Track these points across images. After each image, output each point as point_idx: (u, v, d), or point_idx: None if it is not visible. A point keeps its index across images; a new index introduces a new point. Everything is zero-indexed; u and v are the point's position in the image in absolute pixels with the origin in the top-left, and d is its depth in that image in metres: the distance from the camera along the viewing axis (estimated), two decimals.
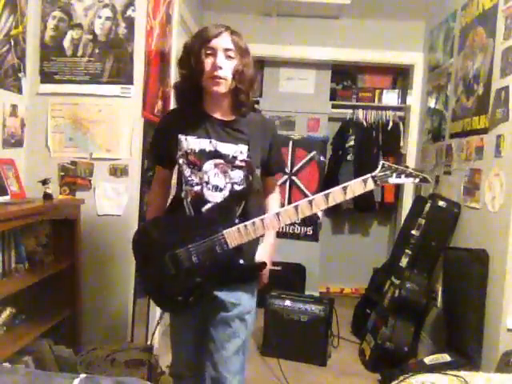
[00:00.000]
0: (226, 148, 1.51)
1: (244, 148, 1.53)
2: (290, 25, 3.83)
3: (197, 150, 1.51)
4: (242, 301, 1.56)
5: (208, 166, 1.51)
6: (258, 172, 1.64)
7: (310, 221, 4.09)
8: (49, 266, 2.20)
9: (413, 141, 3.88)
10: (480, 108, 2.60)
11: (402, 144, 4.09)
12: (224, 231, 1.44)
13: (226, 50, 1.47)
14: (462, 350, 2.41)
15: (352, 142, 4.20)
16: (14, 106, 2.22)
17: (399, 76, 4.39)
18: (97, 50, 2.33)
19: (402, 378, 1.83)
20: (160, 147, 1.63)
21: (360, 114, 4.23)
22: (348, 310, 3.63)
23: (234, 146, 1.52)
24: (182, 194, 1.55)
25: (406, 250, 3.09)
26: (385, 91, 4.35)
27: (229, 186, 1.52)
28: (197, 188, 1.52)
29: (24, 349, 1.99)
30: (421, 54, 3.78)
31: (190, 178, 1.52)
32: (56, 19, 2.33)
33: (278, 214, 1.43)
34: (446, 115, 3.16)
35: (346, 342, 3.31)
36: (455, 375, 1.74)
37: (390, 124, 4.16)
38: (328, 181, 4.18)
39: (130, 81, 2.34)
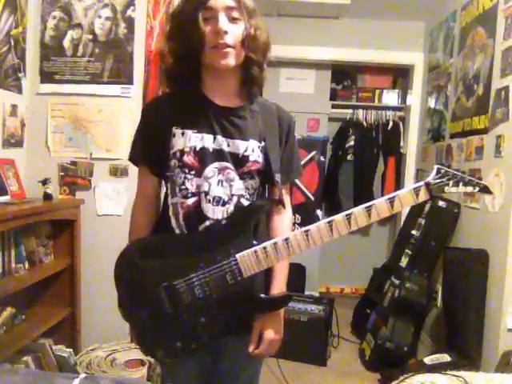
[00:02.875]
0: (234, 146, 1.17)
1: (255, 145, 1.18)
2: (290, 25, 3.82)
3: (197, 149, 1.15)
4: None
5: (210, 170, 1.15)
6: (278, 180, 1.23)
7: (310, 220, 4.08)
8: (49, 266, 2.20)
9: (413, 141, 3.87)
10: (480, 108, 2.60)
11: (402, 144, 4.08)
12: (237, 255, 1.10)
13: (229, 8, 1.12)
14: (462, 350, 2.41)
15: (352, 142, 4.20)
16: (14, 106, 2.22)
17: (399, 76, 4.39)
18: (97, 50, 2.33)
19: (402, 377, 1.84)
20: (149, 144, 1.22)
21: (360, 113, 4.23)
22: (348, 309, 3.62)
23: (244, 142, 1.17)
24: (171, 211, 1.18)
25: (406, 250, 3.08)
26: (385, 91, 4.35)
27: (235, 198, 1.17)
28: (192, 200, 1.16)
29: (24, 349, 1.99)
30: (421, 54, 3.78)
31: (183, 187, 1.16)
32: (56, 19, 2.33)
33: (306, 232, 1.10)
34: (446, 115, 3.16)
35: (346, 342, 3.31)
36: (455, 375, 1.75)
37: (390, 124, 4.16)
38: (328, 181, 4.19)
39: (130, 81, 2.34)
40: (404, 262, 3.06)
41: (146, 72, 2.39)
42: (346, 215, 1.10)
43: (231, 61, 1.13)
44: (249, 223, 1.14)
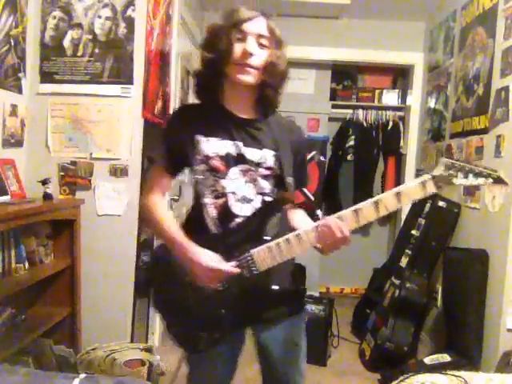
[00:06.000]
0: (250, 153, 1.29)
1: (269, 154, 1.31)
2: (290, 25, 3.82)
3: (222, 154, 1.28)
4: (291, 339, 1.37)
5: (234, 172, 1.28)
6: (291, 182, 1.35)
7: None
8: (49, 266, 2.20)
9: (413, 141, 3.88)
10: (480, 108, 2.60)
11: (401, 144, 4.09)
12: (251, 251, 1.20)
13: (260, 36, 1.27)
14: (462, 350, 2.41)
15: (352, 142, 4.20)
16: (14, 106, 2.22)
17: (399, 76, 4.39)
18: (97, 50, 2.33)
19: (401, 377, 1.84)
20: (173, 149, 1.33)
21: (360, 114, 4.23)
22: (348, 309, 3.63)
23: (258, 151, 1.30)
24: (205, 211, 1.29)
25: (406, 250, 3.09)
26: (385, 91, 4.35)
27: (259, 196, 1.29)
28: (221, 200, 1.28)
29: (24, 349, 1.99)
30: (421, 54, 3.78)
31: (213, 188, 1.28)
32: (56, 19, 2.33)
33: (317, 228, 1.19)
34: (446, 115, 3.16)
35: (346, 341, 3.30)
36: (455, 375, 1.74)
37: (390, 124, 4.16)
38: (328, 181, 4.19)
39: (130, 81, 2.34)
40: (404, 262, 3.06)
41: (146, 72, 2.39)
42: (354, 210, 1.16)
43: (249, 78, 1.26)
44: (264, 222, 1.25)
